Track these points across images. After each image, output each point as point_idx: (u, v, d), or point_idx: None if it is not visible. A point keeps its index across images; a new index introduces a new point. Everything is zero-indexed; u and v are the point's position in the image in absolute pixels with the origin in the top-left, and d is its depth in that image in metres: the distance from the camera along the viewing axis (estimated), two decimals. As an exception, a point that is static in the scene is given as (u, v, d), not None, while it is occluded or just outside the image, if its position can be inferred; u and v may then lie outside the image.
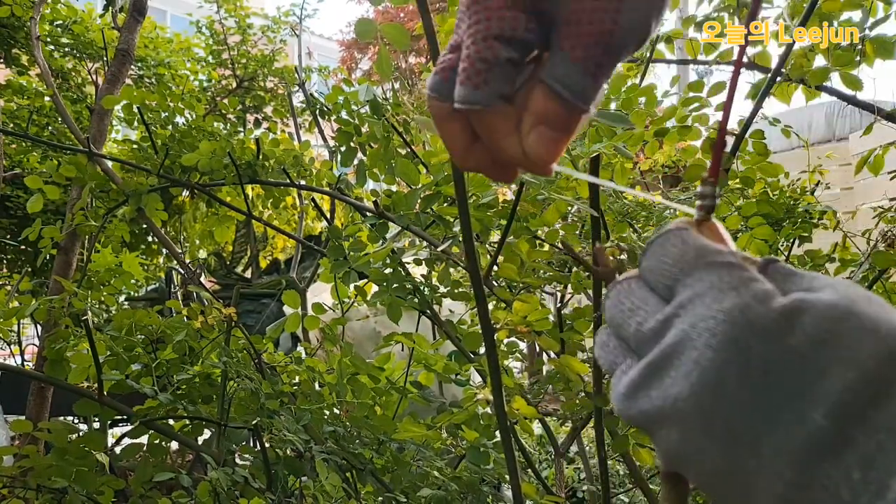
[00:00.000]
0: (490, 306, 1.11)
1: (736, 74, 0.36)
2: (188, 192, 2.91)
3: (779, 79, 1.57)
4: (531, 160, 0.38)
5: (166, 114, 1.92)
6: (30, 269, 3.88)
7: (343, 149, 1.54)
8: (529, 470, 1.49)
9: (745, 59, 0.36)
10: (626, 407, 0.31)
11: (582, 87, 0.36)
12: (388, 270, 1.44)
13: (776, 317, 0.27)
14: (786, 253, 1.80)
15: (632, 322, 0.32)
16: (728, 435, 0.28)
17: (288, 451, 1.42)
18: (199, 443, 1.51)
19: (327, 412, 1.49)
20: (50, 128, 3.80)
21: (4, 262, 4.08)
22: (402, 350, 1.60)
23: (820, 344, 0.27)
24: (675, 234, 0.33)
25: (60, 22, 3.97)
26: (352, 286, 1.50)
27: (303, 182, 1.74)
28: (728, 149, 1.42)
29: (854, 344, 0.26)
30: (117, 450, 1.84)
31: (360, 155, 1.54)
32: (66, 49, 4.04)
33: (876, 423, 0.25)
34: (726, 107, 0.36)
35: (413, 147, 1.58)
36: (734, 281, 0.29)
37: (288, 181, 1.71)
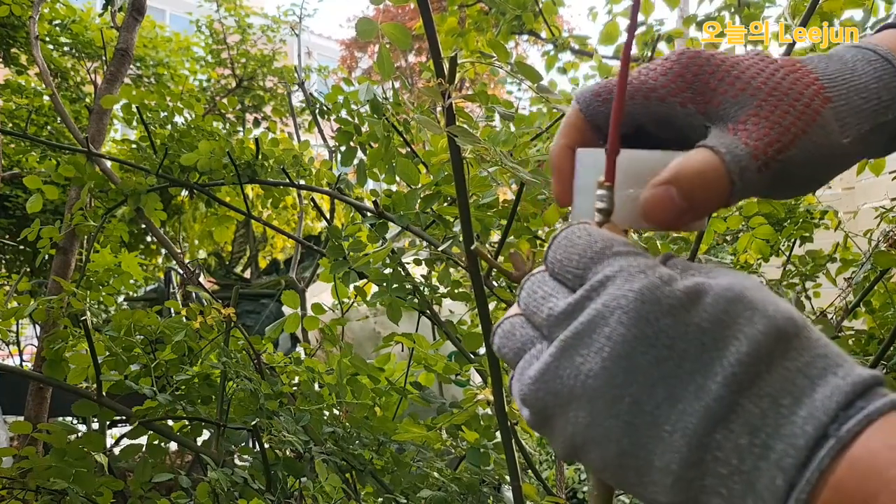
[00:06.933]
0: (490, 306, 1.10)
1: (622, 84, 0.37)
2: (187, 192, 2.91)
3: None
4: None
5: (165, 113, 1.91)
6: (28, 270, 3.87)
7: (343, 148, 1.53)
8: (530, 471, 1.49)
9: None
10: (535, 389, 0.32)
11: (745, 161, 0.36)
12: (387, 270, 1.43)
13: (681, 296, 0.30)
14: (787, 253, 1.79)
15: (544, 308, 0.33)
16: (633, 413, 0.29)
17: (287, 452, 1.42)
18: (199, 443, 1.50)
19: (327, 413, 1.49)
20: (49, 127, 3.80)
21: (3, 262, 4.08)
22: (402, 350, 1.60)
23: (719, 322, 0.29)
24: (581, 228, 0.35)
25: (59, 21, 3.97)
26: (352, 286, 1.50)
27: (302, 182, 1.73)
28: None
29: (747, 322, 0.29)
30: (116, 450, 1.84)
31: (360, 155, 1.53)
32: (65, 48, 4.04)
33: (761, 392, 0.28)
34: (616, 107, 0.36)
35: (413, 147, 1.57)
36: (642, 265, 0.31)
37: (287, 181, 1.70)
